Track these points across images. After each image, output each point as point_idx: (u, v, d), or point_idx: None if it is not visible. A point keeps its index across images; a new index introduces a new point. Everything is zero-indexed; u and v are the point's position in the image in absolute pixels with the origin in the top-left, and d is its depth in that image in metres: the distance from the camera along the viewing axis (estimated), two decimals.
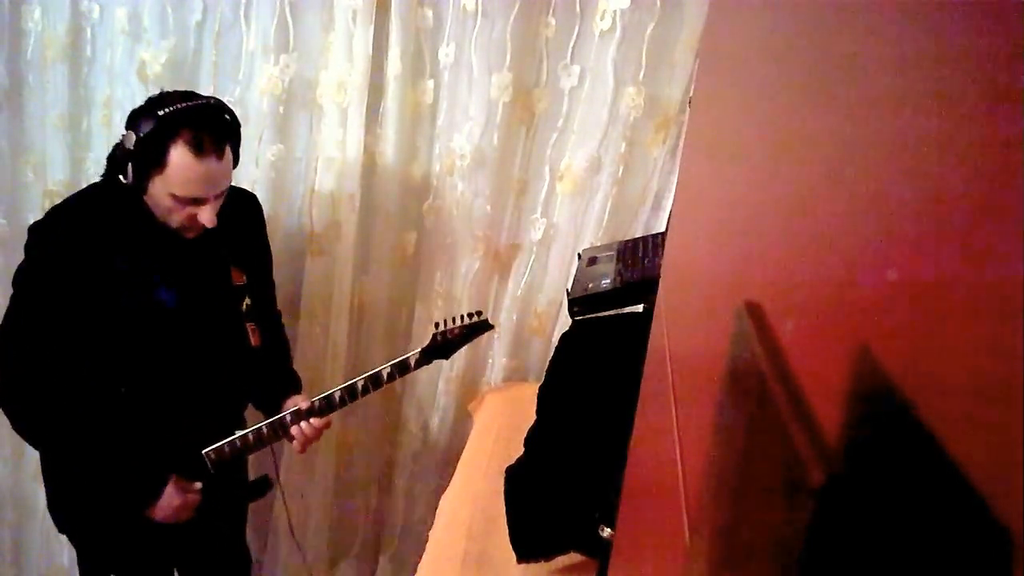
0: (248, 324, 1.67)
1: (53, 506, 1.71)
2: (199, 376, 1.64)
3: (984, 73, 0.19)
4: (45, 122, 2.02)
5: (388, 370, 1.69)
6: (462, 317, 1.74)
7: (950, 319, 0.19)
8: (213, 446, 1.63)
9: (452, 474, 1.79)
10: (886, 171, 0.24)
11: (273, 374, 1.77)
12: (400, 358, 1.71)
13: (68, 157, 2.04)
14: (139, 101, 1.73)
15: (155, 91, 1.59)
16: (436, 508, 1.66)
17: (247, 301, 1.68)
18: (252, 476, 1.92)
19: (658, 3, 1.72)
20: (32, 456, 2.31)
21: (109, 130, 1.99)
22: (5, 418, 2.24)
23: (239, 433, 1.65)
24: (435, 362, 1.88)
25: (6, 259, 2.11)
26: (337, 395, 1.66)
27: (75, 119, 2.02)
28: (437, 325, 1.73)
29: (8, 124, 2.02)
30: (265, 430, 1.65)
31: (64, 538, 2.38)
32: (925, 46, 0.23)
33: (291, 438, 1.68)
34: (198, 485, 1.64)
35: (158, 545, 1.72)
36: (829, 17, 0.33)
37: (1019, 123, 0.17)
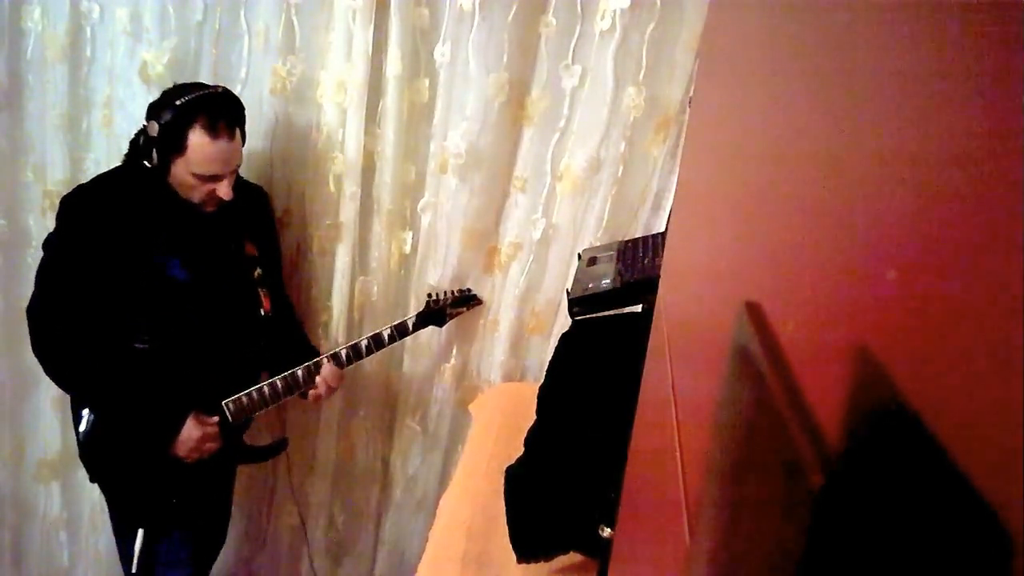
0: (260, 290, 1.84)
1: (84, 455, 1.82)
2: (215, 338, 1.79)
3: (984, 73, 0.19)
4: (45, 122, 2.01)
5: (389, 331, 1.93)
6: (454, 290, 2.00)
7: (949, 319, 0.19)
8: (232, 397, 1.80)
9: (452, 474, 1.79)
10: (886, 171, 0.24)
11: (294, 346, 1.94)
12: (399, 321, 1.95)
13: (68, 157, 2.04)
14: (140, 101, 1.74)
15: (157, 92, 1.75)
16: (436, 507, 1.66)
17: (258, 270, 1.85)
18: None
19: (658, 3, 1.72)
20: (32, 457, 2.32)
21: (109, 130, 1.99)
22: (4, 419, 2.26)
23: (256, 386, 1.82)
24: (435, 363, 1.97)
25: (6, 259, 2.11)
26: (343, 353, 1.90)
27: (75, 119, 2.02)
28: (430, 295, 1.97)
29: (8, 124, 2.02)
30: (280, 384, 1.84)
31: (64, 538, 2.40)
32: (925, 46, 0.23)
33: (304, 392, 1.88)
34: (215, 418, 1.78)
35: (179, 490, 1.82)
36: (829, 17, 0.33)
37: (1019, 123, 0.17)
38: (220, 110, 1.65)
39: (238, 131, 1.69)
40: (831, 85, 0.31)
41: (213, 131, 1.62)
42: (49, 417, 2.26)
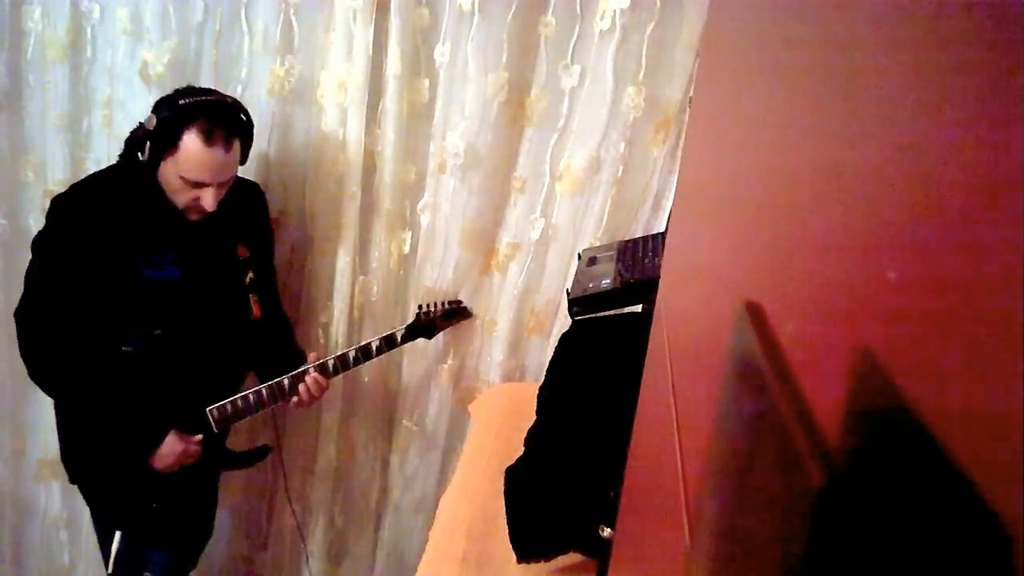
0: (251, 295, 1.80)
1: (66, 457, 1.82)
2: (202, 343, 1.76)
3: (984, 73, 0.19)
4: (45, 122, 2.01)
5: (377, 343, 1.92)
6: (445, 302, 1.98)
7: (950, 319, 0.19)
8: (216, 404, 1.78)
9: (450, 474, 1.79)
10: (886, 171, 0.24)
11: (281, 350, 1.91)
12: (387, 332, 1.94)
13: (68, 157, 2.04)
14: (140, 101, 1.74)
15: (157, 92, 1.74)
16: (436, 508, 1.66)
17: (250, 274, 1.81)
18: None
19: (658, 3, 1.72)
20: (32, 456, 2.32)
21: (110, 130, 1.99)
22: (4, 419, 2.26)
23: (241, 393, 1.80)
24: (433, 364, 1.96)
25: (6, 259, 2.11)
26: (331, 363, 1.87)
27: (75, 119, 2.02)
28: (420, 307, 1.96)
29: (8, 124, 2.02)
30: (265, 392, 1.82)
31: (64, 538, 2.40)
32: (926, 46, 0.23)
33: (288, 400, 1.85)
34: (198, 437, 1.76)
35: (159, 497, 1.80)
36: (829, 16, 0.33)
37: (1018, 122, 0.17)
38: (221, 118, 1.61)
39: (237, 144, 1.64)
40: (831, 84, 0.31)
41: (208, 137, 1.58)
42: (49, 417, 2.25)
